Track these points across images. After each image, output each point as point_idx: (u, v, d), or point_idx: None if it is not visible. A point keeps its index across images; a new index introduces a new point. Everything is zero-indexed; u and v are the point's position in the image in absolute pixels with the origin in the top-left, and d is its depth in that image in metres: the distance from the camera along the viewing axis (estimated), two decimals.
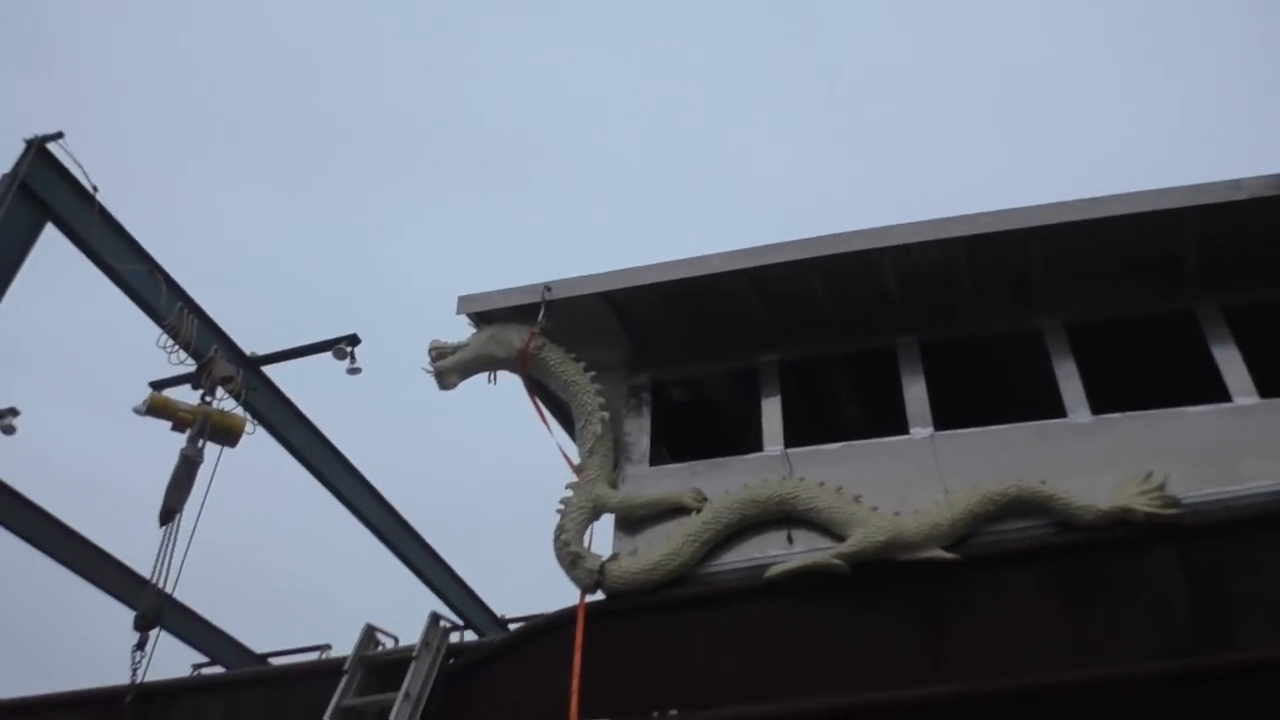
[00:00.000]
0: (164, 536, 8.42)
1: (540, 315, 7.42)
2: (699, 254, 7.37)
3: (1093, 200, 6.79)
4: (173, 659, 9.96)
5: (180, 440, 8.95)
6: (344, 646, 7.57)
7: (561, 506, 6.94)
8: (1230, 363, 6.63)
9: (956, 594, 6.11)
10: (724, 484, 6.95)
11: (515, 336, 7.47)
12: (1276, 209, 6.55)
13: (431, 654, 6.65)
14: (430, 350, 7.52)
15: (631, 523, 7.03)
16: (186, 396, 9.40)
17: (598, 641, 6.49)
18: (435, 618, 6.85)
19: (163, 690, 7.75)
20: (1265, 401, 6.41)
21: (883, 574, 6.21)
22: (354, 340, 9.85)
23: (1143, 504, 5.97)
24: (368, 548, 12.49)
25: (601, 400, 7.28)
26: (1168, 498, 5.99)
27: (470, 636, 13.20)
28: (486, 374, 7.73)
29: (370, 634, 7.02)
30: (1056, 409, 6.74)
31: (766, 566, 6.48)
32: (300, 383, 10.70)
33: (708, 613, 6.46)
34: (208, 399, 9.38)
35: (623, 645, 6.51)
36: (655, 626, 6.53)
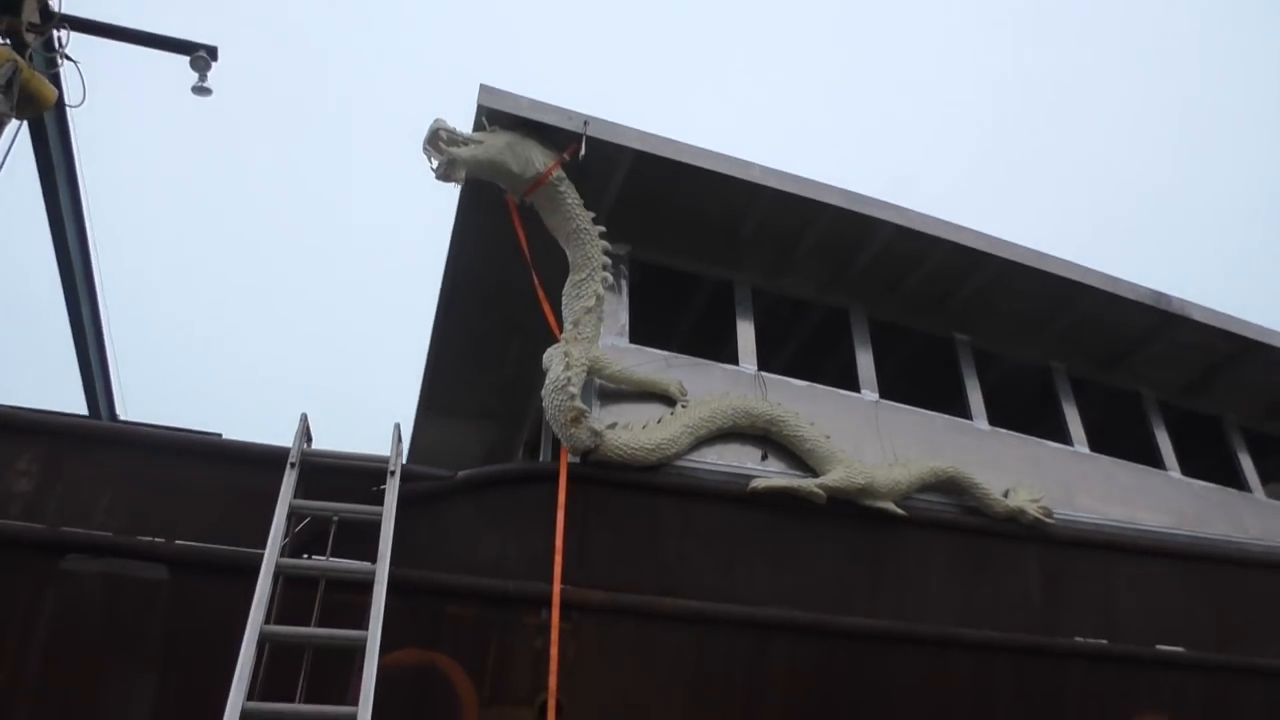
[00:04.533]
0: None
1: (581, 149, 6.73)
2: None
3: (1041, 254, 8.05)
4: None
5: None
6: None
7: (562, 359, 6.41)
8: (1072, 416, 8.34)
9: (894, 544, 6.93)
10: (698, 384, 7.01)
11: (538, 157, 6.68)
12: (1142, 315, 8.40)
13: (400, 471, 5.77)
14: (439, 131, 6.38)
15: (607, 395, 6.77)
16: None
17: (569, 506, 6.19)
18: (400, 431, 5.93)
19: None
20: (1093, 454, 8.20)
21: (843, 511, 6.80)
22: (213, 54, 7.81)
23: (1033, 509, 7.33)
24: None
25: (607, 260, 6.86)
26: (1046, 509, 7.42)
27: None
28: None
29: (306, 426, 5.85)
30: (961, 409, 7.91)
31: (742, 476, 6.72)
32: None
33: (687, 506, 6.50)
34: (2, 41, 6.86)
35: (595, 516, 6.29)
36: (632, 506, 6.40)
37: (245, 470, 5.76)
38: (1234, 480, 8.99)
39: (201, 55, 7.69)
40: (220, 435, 6.13)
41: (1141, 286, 8.32)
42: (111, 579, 5.40)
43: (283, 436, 5.80)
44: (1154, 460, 8.61)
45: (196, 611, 5.39)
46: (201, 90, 7.82)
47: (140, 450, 5.76)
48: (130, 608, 5.39)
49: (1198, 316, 8.55)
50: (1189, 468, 8.76)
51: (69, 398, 11.00)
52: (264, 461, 5.66)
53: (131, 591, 5.41)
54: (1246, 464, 9.12)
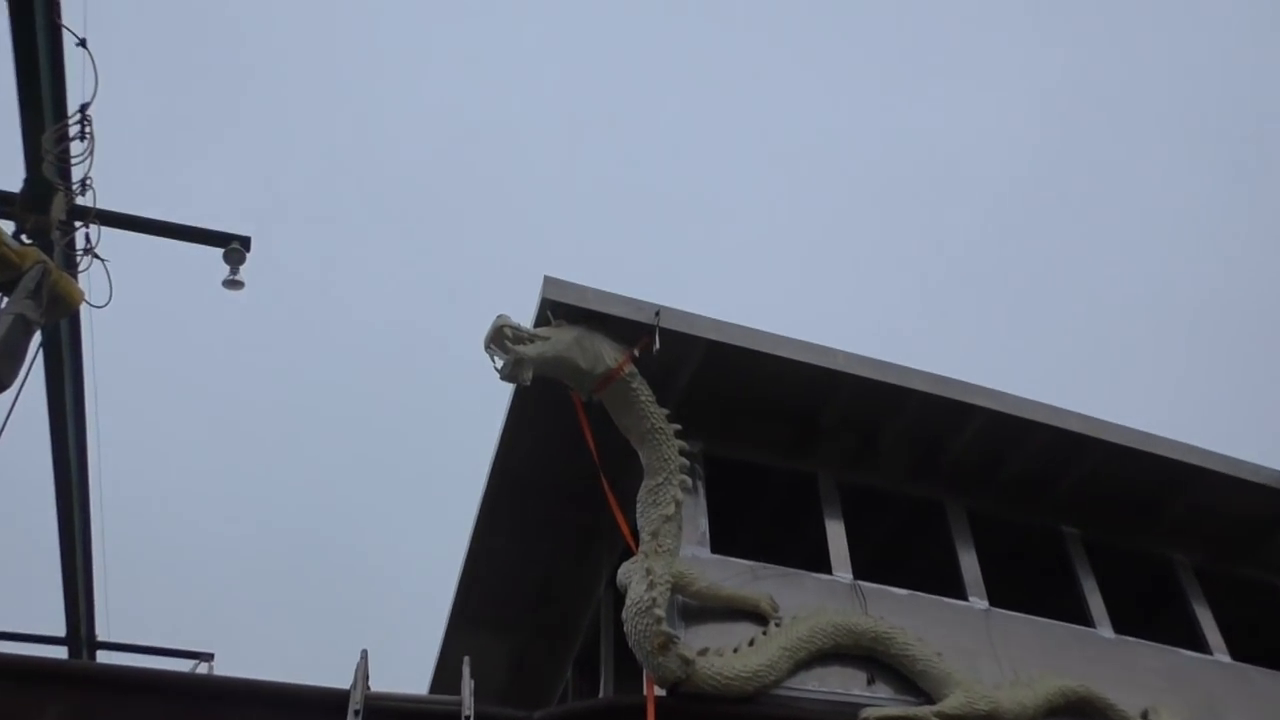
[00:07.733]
0: None
1: (655, 342, 6.26)
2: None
3: (1150, 436, 7.38)
4: None
5: None
6: None
7: (644, 577, 5.70)
8: (1206, 620, 7.44)
9: None
10: (789, 597, 6.26)
11: (608, 352, 6.18)
12: (1269, 500, 7.61)
13: (474, 714, 5.02)
14: (504, 329, 5.92)
15: (690, 613, 6.02)
16: None
17: None
18: (469, 667, 5.22)
19: None
20: (1236, 663, 7.26)
21: None
22: (247, 244, 7.51)
23: None
24: None
25: (685, 462, 6.23)
26: None
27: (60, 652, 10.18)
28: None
29: (366, 664, 5.14)
30: (1080, 614, 7.06)
31: (848, 704, 5.89)
32: None
33: None
34: (26, 240, 6.57)
35: None
36: None
37: (295, 715, 5.04)
38: None
39: (236, 247, 7.40)
40: (212, 655, 5.46)
41: (1266, 468, 7.58)
42: None
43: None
44: None
45: None
46: (234, 284, 7.48)
47: (178, 696, 5.06)
48: None
49: None
50: None
51: (39, 609, 10.30)
52: (317, 705, 4.94)
53: None
54: None
